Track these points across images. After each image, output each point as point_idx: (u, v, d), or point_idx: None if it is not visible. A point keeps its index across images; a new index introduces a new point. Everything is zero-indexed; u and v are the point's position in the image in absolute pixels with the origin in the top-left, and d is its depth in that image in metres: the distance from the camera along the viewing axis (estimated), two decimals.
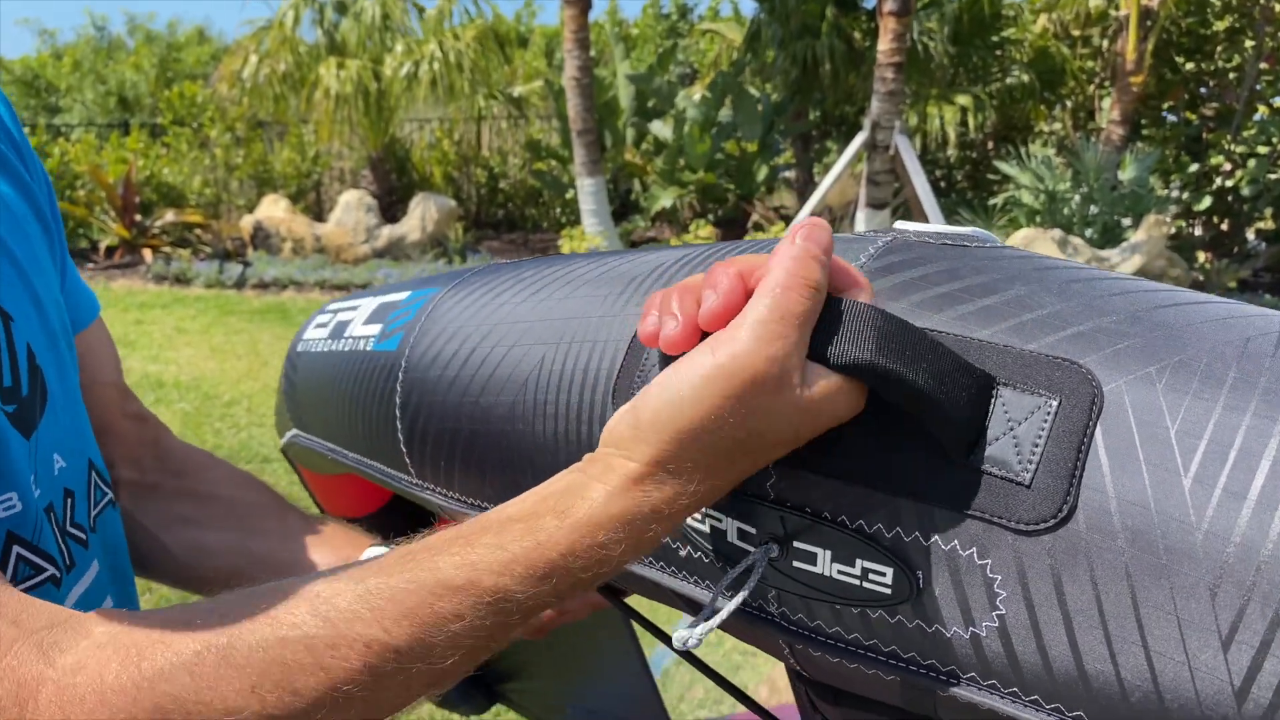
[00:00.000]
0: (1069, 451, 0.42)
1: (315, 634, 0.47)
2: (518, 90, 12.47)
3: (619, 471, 0.46)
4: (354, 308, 0.87)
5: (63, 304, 0.74)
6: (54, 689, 0.46)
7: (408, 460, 0.73)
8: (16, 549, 0.60)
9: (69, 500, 0.68)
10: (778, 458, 0.48)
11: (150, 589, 2.86)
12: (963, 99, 9.56)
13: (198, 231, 10.63)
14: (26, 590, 0.60)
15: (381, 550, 0.73)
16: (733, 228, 10.39)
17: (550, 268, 0.70)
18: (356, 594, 0.48)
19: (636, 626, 0.80)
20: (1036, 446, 0.43)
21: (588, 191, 9.15)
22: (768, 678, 2.68)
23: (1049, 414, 0.43)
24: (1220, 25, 9.41)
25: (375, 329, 0.79)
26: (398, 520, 0.96)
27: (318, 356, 0.87)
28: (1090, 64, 10.57)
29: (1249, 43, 9.24)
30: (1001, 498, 0.43)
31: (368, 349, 0.78)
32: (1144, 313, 0.45)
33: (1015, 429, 0.43)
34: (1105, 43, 10.20)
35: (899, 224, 0.56)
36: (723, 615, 0.49)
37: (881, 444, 0.46)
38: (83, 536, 0.69)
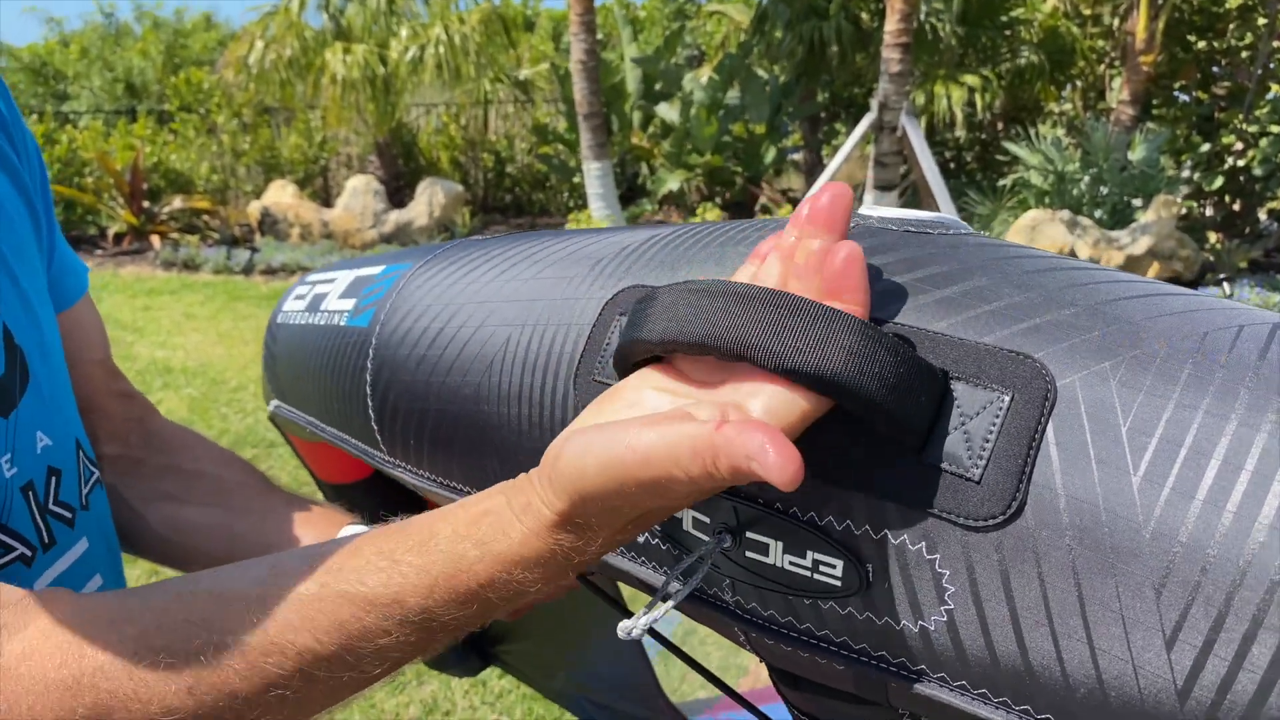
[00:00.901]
0: (1020, 448, 0.42)
1: (250, 641, 0.49)
2: (524, 74, 12.42)
3: (535, 515, 0.47)
4: (331, 280, 0.86)
5: (45, 282, 0.74)
6: (1, 677, 0.48)
7: (379, 437, 0.73)
8: None
9: (54, 478, 0.68)
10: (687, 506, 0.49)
11: (132, 562, 2.88)
12: (970, 79, 9.49)
13: (205, 218, 10.66)
14: None
15: (360, 529, 0.74)
16: (740, 210, 10.36)
17: (520, 245, 0.69)
18: (290, 602, 0.49)
19: (640, 596, 0.80)
20: (987, 442, 0.42)
21: (594, 175, 9.13)
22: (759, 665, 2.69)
23: (1001, 409, 0.42)
24: (1232, 3, 9.31)
25: (349, 304, 0.79)
26: (388, 486, 0.96)
27: (295, 330, 0.87)
28: (1101, 43, 10.48)
29: (1262, 20, 9.14)
30: (951, 493, 0.43)
31: (341, 324, 0.78)
32: (1104, 305, 0.44)
33: (967, 424, 0.43)
34: (1116, 21, 10.12)
35: (863, 209, 0.55)
36: (667, 607, 0.49)
37: (834, 438, 0.46)
38: (68, 515, 0.69)
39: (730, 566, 0.51)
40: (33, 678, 0.48)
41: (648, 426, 0.43)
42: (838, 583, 0.46)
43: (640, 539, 0.56)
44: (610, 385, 0.55)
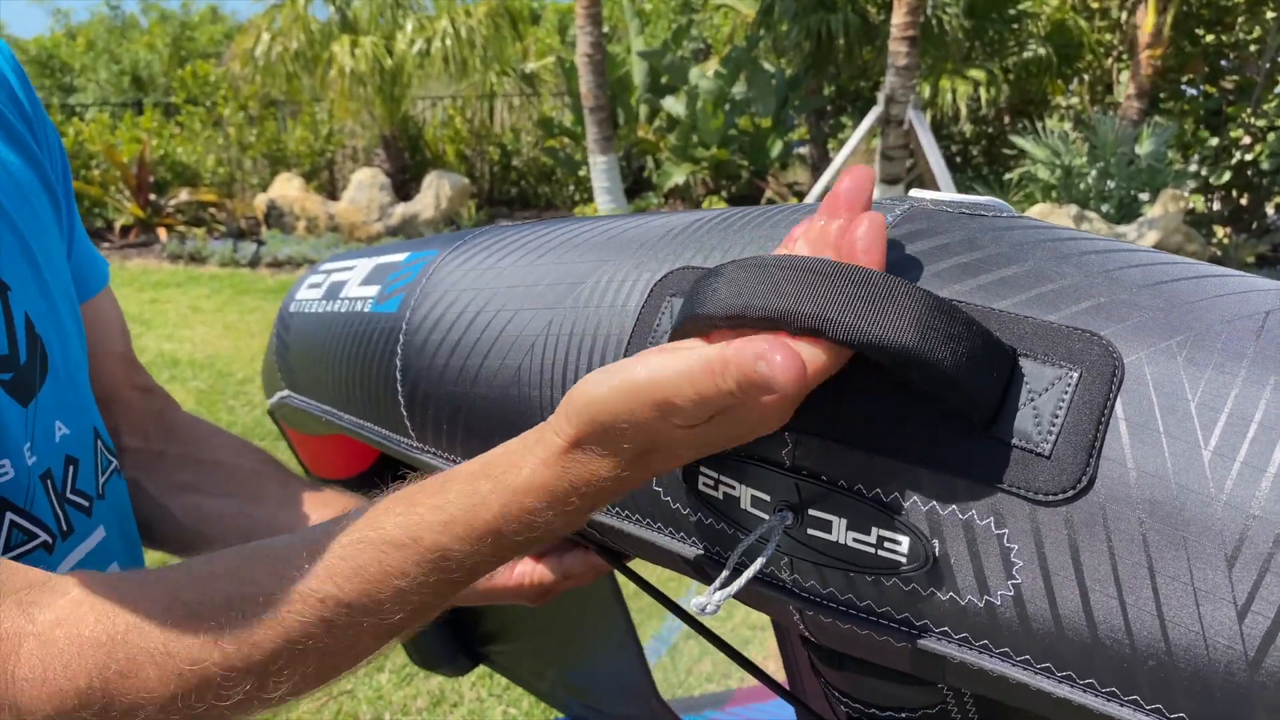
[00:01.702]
0: (1089, 423, 0.42)
1: (273, 590, 0.50)
2: (530, 67, 12.42)
3: (548, 445, 0.48)
4: (349, 268, 0.86)
5: (68, 274, 0.75)
6: (35, 643, 0.49)
7: (408, 424, 0.73)
8: (9, 515, 0.62)
9: (71, 467, 0.69)
10: (698, 458, 0.49)
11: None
12: (977, 73, 9.47)
13: (212, 210, 10.68)
14: (17, 557, 0.62)
15: None
16: (746, 204, 10.34)
17: (553, 231, 0.69)
18: (311, 553, 0.51)
19: (641, 595, 0.80)
20: (1056, 418, 0.43)
21: (600, 169, 9.13)
22: (772, 651, 2.69)
23: (1070, 385, 0.43)
24: None
25: (373, 290, 0.78)
26: (383, 481, 0.97)
27: (312, 317, 0.86)
28: (1108, 37, 10.45)
29: (1270, 14, 9.10)
30: (1020, 468, 0.43)
31: (366, 310, 0.78)
32: (1163, 285, 0.45)
33: (1035, 400, 0.43)
34: (1124, 15, 10.08)
35: (915, 192, 0.55)
36: (740, 583, 0.49)
37: (900, 412, 0.46)
38: (85, 504, 0.70)
39: (790, 544, 0.51)
40: (68, 639, 0.49)
41: (662, 352, 0.45)
42: (903, 559, 0.46)
43: (694, 519, 0.56)
44: None
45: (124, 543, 0.75)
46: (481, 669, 2.79)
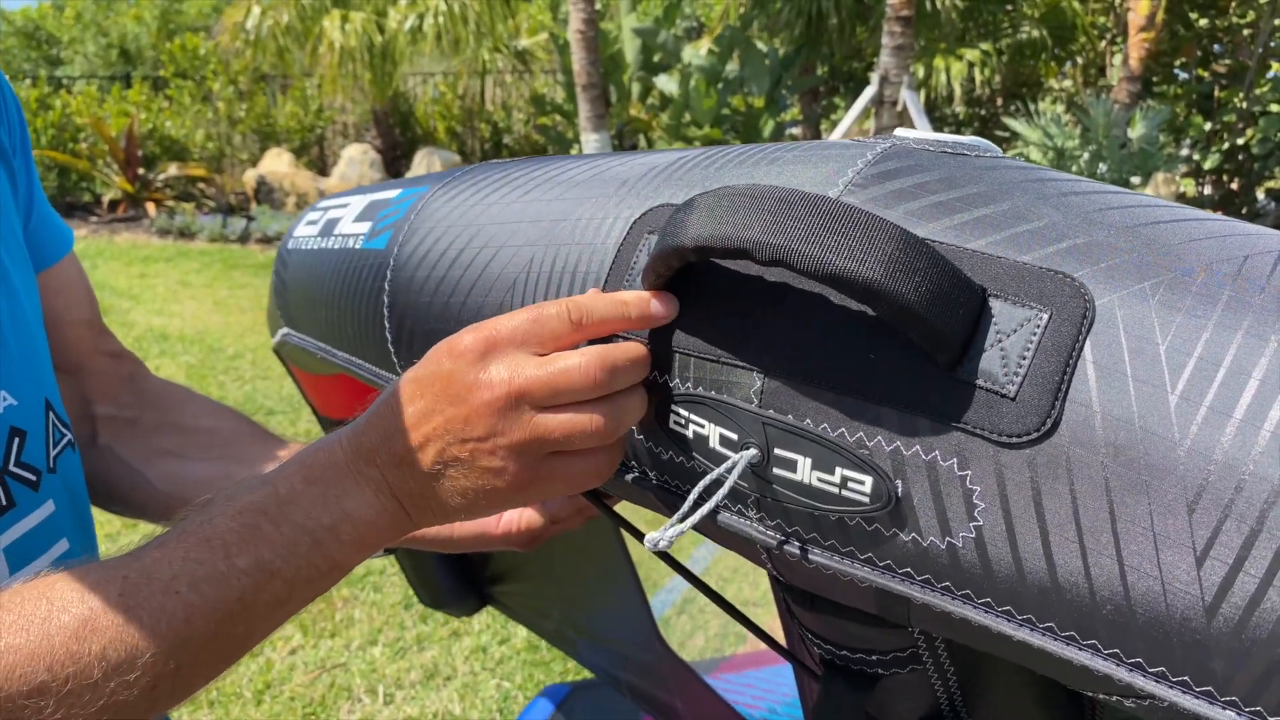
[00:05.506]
0: (1056, 365, 0.41)
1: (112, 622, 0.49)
2: (522, 44, 12.34)
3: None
4: (344, 204, 0.85)
5: (21, 241, 0.73)
6: None
7: (396, 360, 0.72)
8: None
9: (16, 440, 0.66)
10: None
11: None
12: (971, 54, 9.45)
13: (201, 185, 10.61)
14: None
15: None
16: None
17: (541, 168, 0.69)
18: (178, 562, 0.51)
19: (626, 537, 0.80)
20: (1024, 359, 0.42)
21: (593, 146, 9.09)
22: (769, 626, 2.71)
23: (1038, 327, 0.42)
24: None
25: (365, 227, 0.78)
26: None
27: (308, 254, 0.86)
28: (1102, 19, 10.43)
29: None
30: (985, 409, 0.43)
31: (356, 247, 0.77)
32: (1142, 227, 0.44)
33: (1003, 341, 0.43)
34: None
35: (899, 131, 0.55)
36: (695, 518, 0.49)
37: (865, 351, 0.46)
38: (32, 478, 0.68)
39: (756, 483, 0.51)
40: None
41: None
42: (865, 499, 0.46)
43: (664, 456, 0.56)
44: None
45: (75, 517, 0.73)
46: (474, 644, 2.78)
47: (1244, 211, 8.92)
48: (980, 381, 0.43)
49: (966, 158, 0.51)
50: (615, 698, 1.25)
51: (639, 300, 0.53)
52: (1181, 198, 8.13)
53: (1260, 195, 9.21)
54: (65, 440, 0.73)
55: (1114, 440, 0.40)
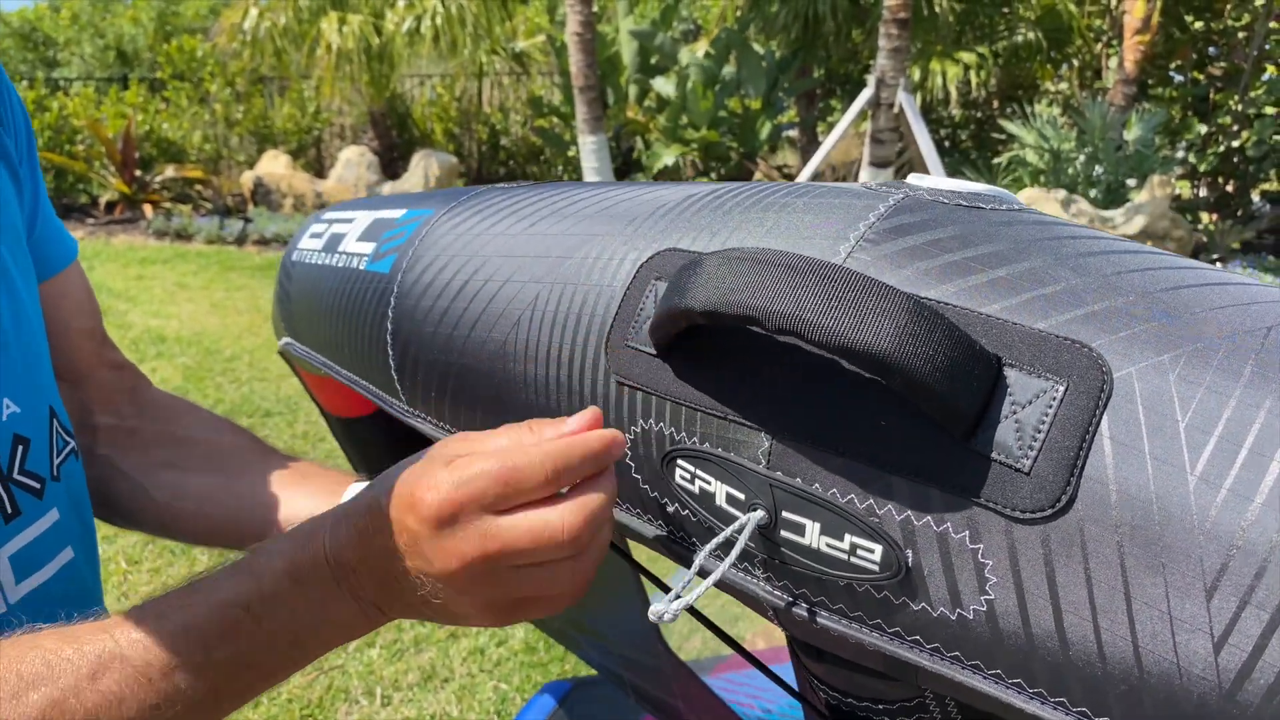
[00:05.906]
0: (1073, 440, 0.40)
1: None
2: (520, 46, 12.33)
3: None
4: (349, 220, 0.85)
5: (26, 249, 0.73)
6: None
7: (399, 387, 0.72)
8: None
9: (20, 447, 0.66)
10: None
11: (109, 538, 2.88)
12: (967, 56, 9.47)
13: (198, 187, 10.60)
14: None
15: (362, 487, 0.74)
16: None
17: (547, 196, 0.68)
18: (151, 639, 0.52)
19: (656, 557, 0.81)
20: (1039, 433, 0.41)
21: (590, 149, 9.09)
22: (764, 628, 2.71)
23: (1054, 399, 0.41)
24: None
25: (369, 248, 0.78)
26: (396, 420, 0.97)
27: (311, 269, 0.85)
28: (1098, 22, 10.45)
29: (1258, 1, 9.12)
30: (999, 483, 0.41)
31: (360, 268, 0.77)
32: (1162, 293, 0.43)
33: (1019, 413, 0.42)
34: (1113, 1, 10.08)
35: (913, 178, 0.53)
36: (699, 592, 0.48)
37: (879, 419, 0.45)
38: (36, 486, 0.68)
39: (763, 544, 0.50)
40: None
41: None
42: (875, 567, 0.45)
43: (670, 509, 0.55)
44: (645, 352, 0.54)
45: (79, 526, 0.73)
46: (471, 646, 2.78)
47: (1239, 213, 8.94)
48: (995, 454, 0.42)
49: (982, 210, 0.49)
50: (617, 695, 1.26)
51: (617, 444, 0.52)
52: (1177, 199, 8.15)
53: (1255, 197, 9.24)
54: (69, 448, 0.73)
55: (1130, 520, 0.39)
